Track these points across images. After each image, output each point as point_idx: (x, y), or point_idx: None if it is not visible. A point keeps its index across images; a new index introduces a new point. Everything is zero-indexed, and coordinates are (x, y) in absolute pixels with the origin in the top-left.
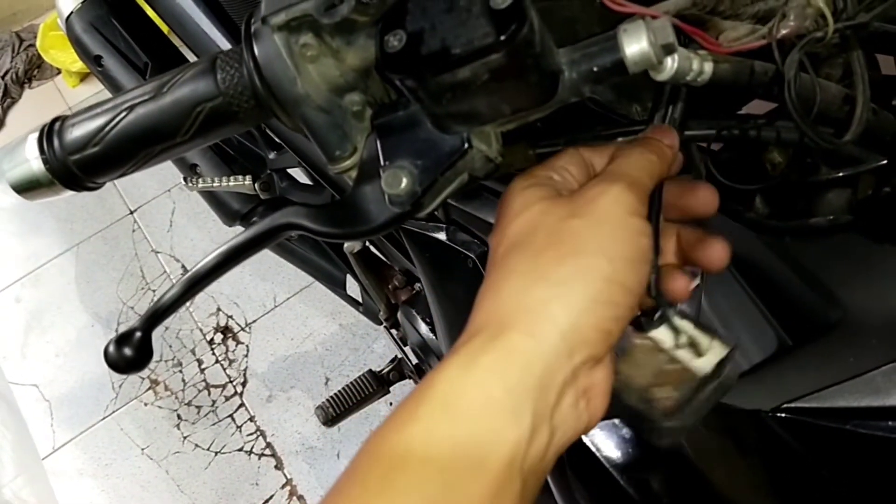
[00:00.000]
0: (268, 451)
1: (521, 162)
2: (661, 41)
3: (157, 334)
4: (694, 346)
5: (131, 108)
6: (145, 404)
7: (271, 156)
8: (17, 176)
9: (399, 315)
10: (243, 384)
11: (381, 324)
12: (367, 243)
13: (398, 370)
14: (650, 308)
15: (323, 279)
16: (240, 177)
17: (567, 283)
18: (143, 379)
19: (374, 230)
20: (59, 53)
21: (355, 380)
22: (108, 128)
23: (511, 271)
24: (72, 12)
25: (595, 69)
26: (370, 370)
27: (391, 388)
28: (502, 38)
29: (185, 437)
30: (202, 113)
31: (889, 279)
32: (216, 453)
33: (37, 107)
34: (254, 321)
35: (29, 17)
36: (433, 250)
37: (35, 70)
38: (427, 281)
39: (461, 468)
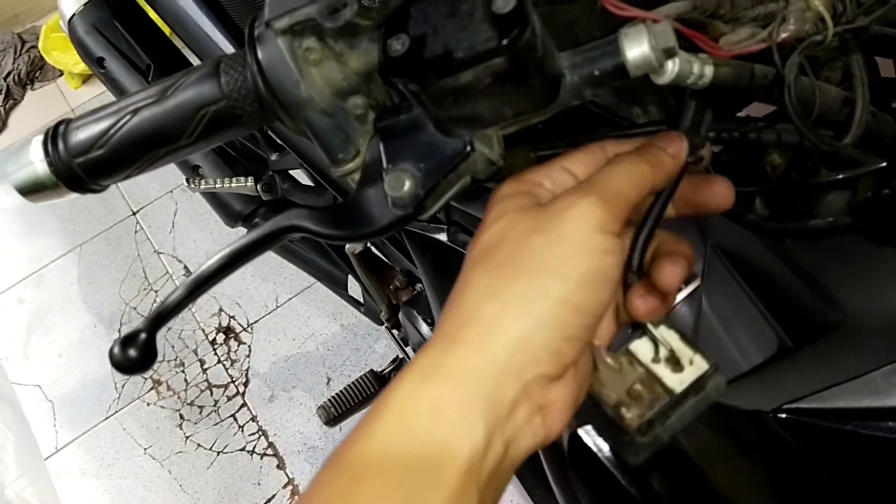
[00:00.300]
0: (270, 451)
1: (522, 164)
2: (662, 45)
3: (159, 335)
4: (674, 361)
5: (136, 112)
6: (148, 404)
7: (273, 157)
8: (22, 178)
9: (400, 315)
10: (245, 384)
11: (382, 324)
12: (369, 244)
13: (399, 370)
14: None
15: (324, 280)
16: (242, 178)
17: (519, 302)
18: (146, 379)
19: (377, 232)
20: (62, 55)
21: (357, 380)
22: (112, 131)
23: (472, 283)
24: (74, 14)
25: (596, 73)
26: (372, 370)
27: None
28: (505, 42)
29: (187, 437)
30: (206, 116)
31: (889, 280)
32: (218, 453)
33: (39, 108)
34: (256, 321)
35: (31, 19)
36: (434, 251)
37: (37, 72)
38: (428, 281)
39: (418, 479)
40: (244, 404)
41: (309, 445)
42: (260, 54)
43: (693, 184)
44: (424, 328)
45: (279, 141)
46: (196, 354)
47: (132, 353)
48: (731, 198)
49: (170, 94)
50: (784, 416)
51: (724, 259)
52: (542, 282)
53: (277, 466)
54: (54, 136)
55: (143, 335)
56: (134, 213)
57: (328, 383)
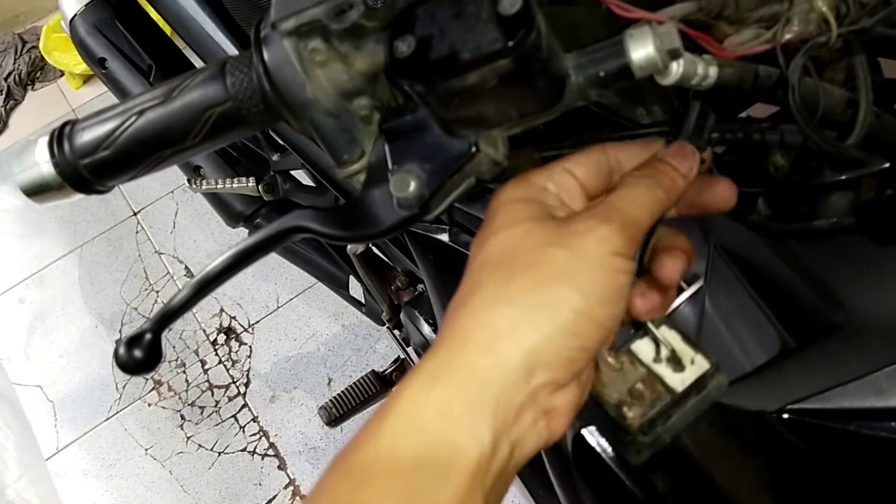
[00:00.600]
0: (271, 452)
1: (527, 165)
2: (666, 46)
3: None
4: (675, 361)
5: (141, 113)
6: (149, 405)
7: (274, 158)
8: (28, 179)
9: (402, 316)
10: (246, 385)
11: (383, 325)
12: (370, 245)
13: (401, 371)
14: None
15: (326, 280)
16: (243, 179)
17: (536, 309)
18: (147, 379)
19: (382, 233)
20: (63, 55)
21: (358, 380)
22: (118, 132)
23: (480, 286)
24: (75, 14)
25: (601, 74)
26: (373, 371)
27: (394, 389)
28: (510, 43)
29: (188, 438)
30: (212, 117)
31: (892, 281)
32: (219, 454)
33: (40, 109)
34: (257, 322)
35: (32, 19)
36: (436, 252)
37: (38, 72)
38: (430, 282)
39: (425, 481)
40: (245, 405)
41: (310, 446)
42: (266, 55)
43: (696, 184)
44: (426, 329)
45: (281, 141)
46: (197, 355)
47: (137, 353)
48: (734, 198)
49: (175, 95)
50: (787, 416)
51: (727, 260)
52: (563, 294)
53: (279, 467)
54: (60, 137)
55: (148, 336)
56: (135, 214)
57: (329, 384)
